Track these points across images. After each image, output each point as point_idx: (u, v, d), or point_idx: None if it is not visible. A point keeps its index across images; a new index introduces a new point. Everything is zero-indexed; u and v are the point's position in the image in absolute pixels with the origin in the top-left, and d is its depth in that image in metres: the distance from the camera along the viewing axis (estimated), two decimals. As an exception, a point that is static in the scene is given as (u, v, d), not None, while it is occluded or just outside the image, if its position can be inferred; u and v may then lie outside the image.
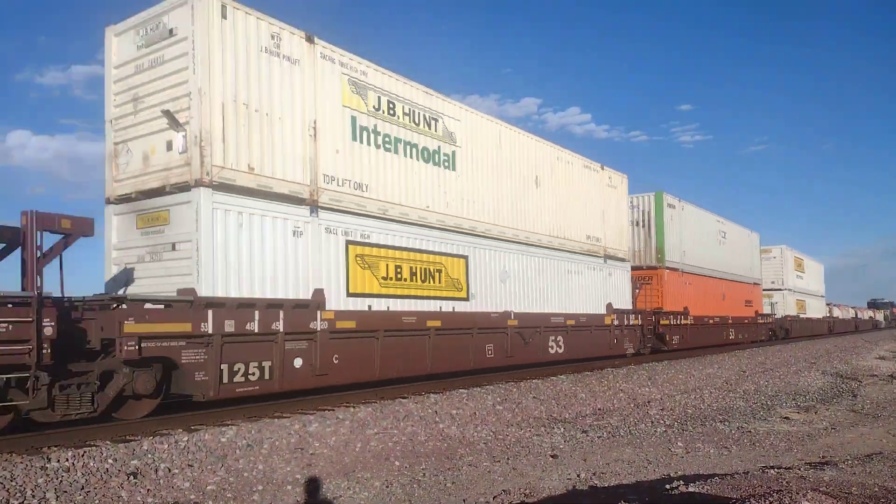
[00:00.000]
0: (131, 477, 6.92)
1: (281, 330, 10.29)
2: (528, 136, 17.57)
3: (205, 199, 9.64)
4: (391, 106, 13.17)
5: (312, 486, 7.24)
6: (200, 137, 9.65)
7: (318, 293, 11.14)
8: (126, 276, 10.59)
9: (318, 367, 10.93)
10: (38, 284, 8.12)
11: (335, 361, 11.22)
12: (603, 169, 21.07)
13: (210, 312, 9.31)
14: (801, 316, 46.08)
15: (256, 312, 9.95)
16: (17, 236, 8.35)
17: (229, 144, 10.04)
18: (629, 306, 21.63)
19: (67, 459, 7.06)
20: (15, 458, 7.00)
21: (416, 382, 13.40)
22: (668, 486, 6.35)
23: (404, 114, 13.47)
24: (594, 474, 7.87)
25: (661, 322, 23.25)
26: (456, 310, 14.21)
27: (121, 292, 10.37)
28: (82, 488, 6.54)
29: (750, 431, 11.20)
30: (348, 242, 11.95)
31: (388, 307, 12.57)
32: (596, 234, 20.20)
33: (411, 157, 13.56)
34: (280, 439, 8.55)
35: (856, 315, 74.23)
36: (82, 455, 7.22)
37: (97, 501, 6.38)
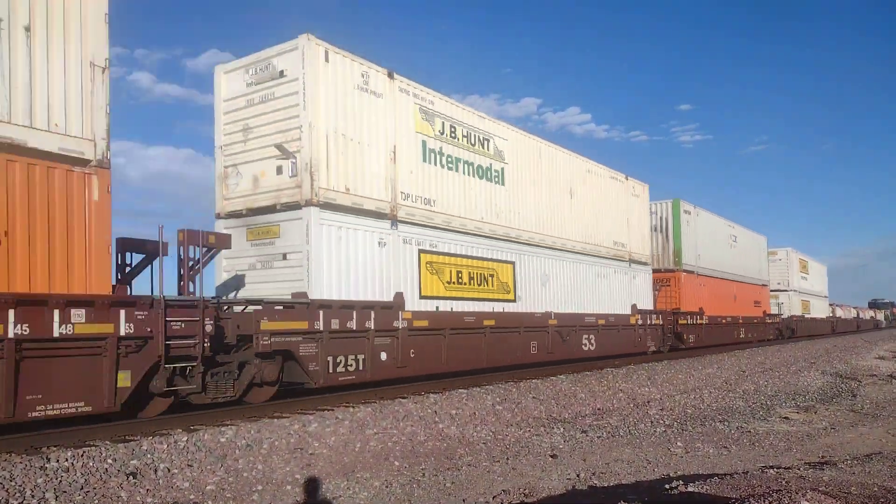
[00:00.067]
0: (131, 477, 6.93)
1: (372, 328, 12.02)
2: (563, 151, 19.29)
3: (314, 217, 11.37)
4: (453, 130, 14.90)
5: (312, 486, 7.25)
6: (311, 164, 11.38)
7: (399, 296, 12.87)
8: (236, 282, 12.32)
9: (399, 360, 12.66)
10: (192, 289, 9.85)
11: (412, 355, 12.95)
12: (627, 179, 22.81)
13: (321, 312, 11.05)
14: (806, 316, 47.80)
15: (355, 313, 11.69)
16: (157, 249, 10.03)
17: (331, 169, 11.77)
18: (650, 307, 23.37)
19: (67, 459, 7.07)
20: (14, 458, 7.01)
21: (474, 375, 15.11)
22: (667, 486, 6.31)
23: (463, 136, 15.20)
24: (594, 474, 7.86)
25: (680, 322, 24.98)
26: (505, 310, 15.94)
27: (231, 295, 12.11)
28: (81, 488, 6.53)
29: (749, 431, 11.18)
30: (420, 251, 13.68)
31: (452, 308, 14.30)
32: (622, 240, 21.93)
33: (468, 174, 15.29)
34: (279, 439, 8.61)
35: (857, 315, 75.93)
36: (82, 455, 7.24)
37: (96, 501, 6.37)
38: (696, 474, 7.49)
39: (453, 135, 14.91)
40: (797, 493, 5.12)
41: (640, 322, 21.94)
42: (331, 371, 11.33)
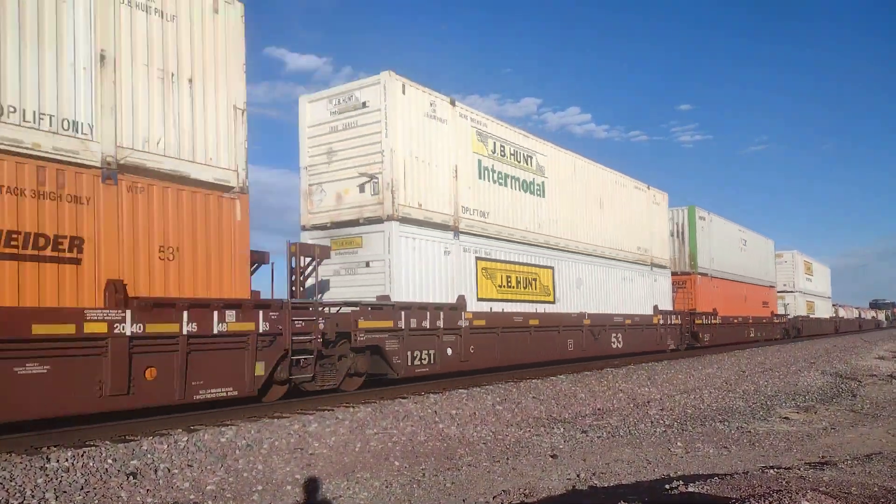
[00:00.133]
0: (131, 477, 6.95)
1: (441, 326, 13.73)
2: (594, 165, 20.99)
3: (394, 230, 13.09)
4: (502, 149, 16.61)
5: (312, 486, 7.27)
6: (392, 184, 13.09)
7: (461, 298, 14.58)
8: (322, 286, 14.01)
9: (462, 355, 14.37)
10: (303, 293, 11.55)
11: (472, 351, 14.66)
12: (649, 188, 24.52)
13: (403, 313, 12.76)
14: (811, 316, 49.53)
15: (428, 313, 13.40)
16: (264, 258, 11.73)
17: (407, 187, 13.47)
18: (670, 308, 25.07)
19: (67, 459, 7.09)
20: (14, 458, 7.04)
21: (521, 369, 16.82)
22: (667, 486, 6.30)
23: (511, 154, 16.91)
24: (594, 474, 7.86)
25: (696, 322, 26.69)
26: (546, 311, 17.64)
27: (317, 298, 13.80)
28: (81, 488, 6.55)
29: (749, 431, 11.19)
30: (477, 258, 15.39)
31: (503, 309, 16.01)
32: (644, 246, 23.64)
33: (515, 188, 17.00)
34: (279, 439, 8.64)
35: (860, 315, 77.64)
36: (82, 455, 7.25)
37: (96, 501, 6.39)
38: (696, 474, 7.48)
39: (503, 153, 16.62)
40: (797, 494, 5.09)
41: (661, 322, 23.66)
42: (409, 364, 13.04)
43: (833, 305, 61.76)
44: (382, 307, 12.58)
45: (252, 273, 11.71)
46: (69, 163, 8.08)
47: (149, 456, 7.52)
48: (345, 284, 13.74)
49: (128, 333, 8.31)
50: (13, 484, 6.36)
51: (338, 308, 12.25)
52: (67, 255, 8.02)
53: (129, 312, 8.35)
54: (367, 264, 13.46)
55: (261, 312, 10.03)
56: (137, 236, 8.75)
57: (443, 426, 10.35)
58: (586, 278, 19.81)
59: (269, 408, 10.31)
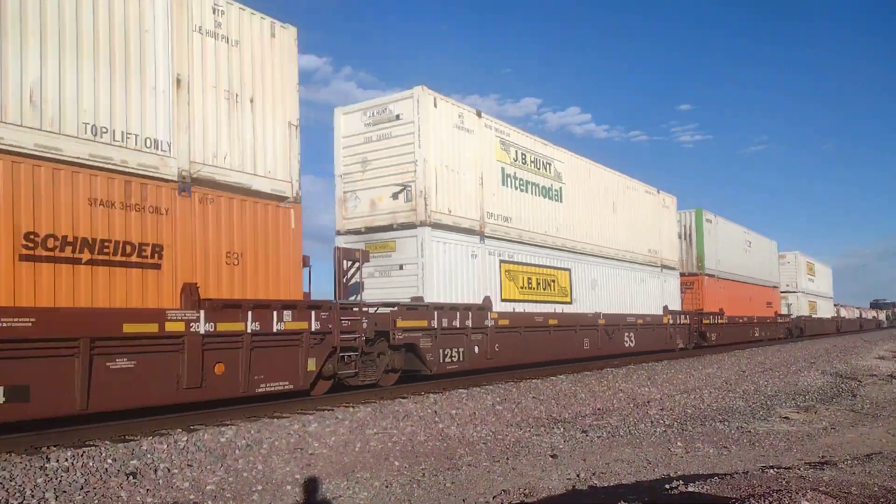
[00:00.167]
0: (130, 477, 6.96)
1: (469, 325, 14.57)
2: (607, 170, 21.83)
3: (427, 235, 13.93)
4: (523, 157, 17.45)
5: (312, 486, 7.29)
6: (425, 192, 13.94)
7: (487, 299, 15.42)
8: (356, 287, 14.84)
9: (488, 353, 15.22)
10: (347, 294, 12.39)
11: (497, 349, 15.50)
12: (658, 192, 25.36)
13: (436, 312, 13.61)
14: (813, 316, 50.35)
15: (458, 313, 14.24)
16: (306, 261, 12.54)
17: (439, 195, 14.31)
18: (679, 308, 25.90)
19: (67, 459, 7.11)
20: (14, 458, 7.06)
21: (541, 367, 17.65)
22: (667, 486, 6.30)
23: (531, 161, 17.75)
24: (594, 474, 7.86)
25: (704, 321, 27.52)
26: (564, 311, 18.48)
27: (352, 299, 14.64)
28: (81, 488, 6.56)
29: (749, 431, 11.19)
30: (501, 261, 16.23)
31: (524, 309, 16.85)
32: (655, 248, 24.48)
33: (535, 194, 17.84)
34: (279, 439, 8.66)
35: (861, 315, 78.45)
36: (81, 455, 7.27)
37: (96, 501, 6.39)
38: (696, 474, 7.47)
39: (524, 161, 17.45)
40: (797, 493, 5.09)
41: (671, 321, 24.49)
42: (441, 361, 13.88)
43: (835, 305, 62.58)
44: (417, 308, 13.43)
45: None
46: (151, 177, 8.93)
47: (148, 456, 7.55)
48: (378, 286, 14.57)
49: (201, 332, 9.16)
50: (13, 483, 6.37)
51: (376, 308, 13.09)
52: (150, 260, 8.87)
53: (202, 313, 9.20)
54: (401, 267, 14.30)
55: (313, 312, 10.87)
56: (208, 243, 9.59)
57: (443, 426, 10.40)
58: (601, 279, 20.65)
59: (268, 408, 10.37)
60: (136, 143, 8.78)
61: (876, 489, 6.00)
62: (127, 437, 8.31)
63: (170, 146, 9.16)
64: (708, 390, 16.43)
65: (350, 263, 12.95)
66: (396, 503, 6.94)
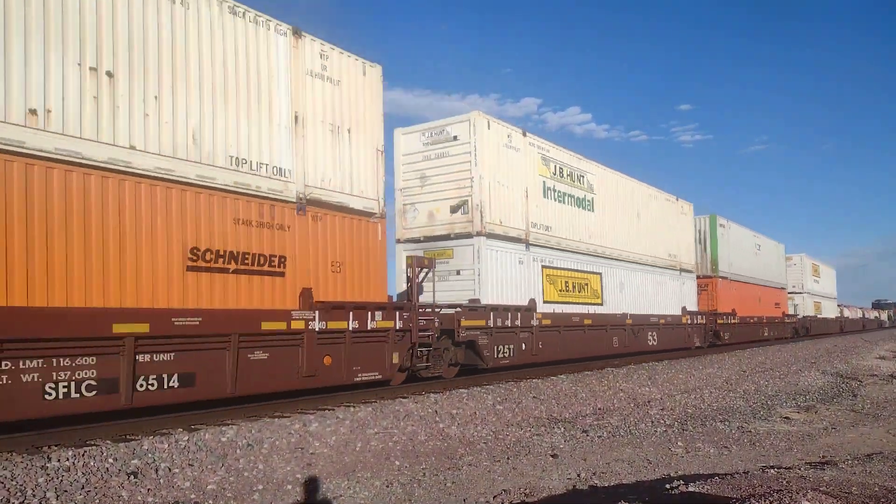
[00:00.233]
0: (131, 476, 6.98)
1: (518, 325, 16.27)
2: (632, 180, 23.52)
3: (483, 244, 15.62)
4: (561, 171, 19.14)
5: (312, 485, 7.30)
6: (481, 205, 15.63)
7: (532, 301, 17.11)
8: (419, 291, 16.52)
9: (533, 350, 16.90)
10: (420, 297, 14.05)
11: (540, 346, 17.19)
12: (677, 200, 27.05)
13: (492, 313, 15.30)
14: (818, 316, 52.02)
15: (509, 313, 15.94)
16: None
17: (492, 207, 16.01)
18: (695, 309, 27.58)
19: (68, 459, 7.12)
20: (15, 458, 7.10)
21: (577, 362, 19.34)
22: (668, 486, 6.31)
23: (567, 175, 19.45)
24: (594, 474, 7.86)
25: (718, 321, 29.20)
26: (596, 312, 20.16)
27: (398, 301, 16.31)
28: (82, 487, 6.58)
29: (750, 431, 11.21)
30: (542, 266, 17.92)
31: (563, 310, 18.54)
32: (674, 252, 26.17)
33: (571, 205, 19.53)
34: (280, 439, 8.70)
35: (863, 315, 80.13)
36: (83, 454, 7.29)
37: (97, 501, 6.41)
38: (696, 474, 7.47)
39: (561, 175, 19.15)
40: (798, 493, 5.09)
41: (688, 321, 26.17)
42: (495, 356, 15.58)
43: (838, 306, 64.24)
44: (477, 308, 15.12)
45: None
46: (277, 199, 10.63)
47: (149, 455, 7.58)
48: (437, 290, 16.24)
49: (316, 329, 10.86)
50: (14, 483, 6.41)
51: (440, 308, 14.78)
52: (277, 269, 10.57)
53: (317, 313, 10.90)
54: (458, 272, 15.99)
55: (397, 312, 12.57)
56: (318, 254, 11.29)
57: (443, 426, 10.46)
58: (627, 282, 22.34)
59: (269, 407, 10.53)
60: (266, 172, 10.48)
61: (877, 489, 5.99)
62: (128, 436, 8.41)
63: (290, 173, 10.86)
64: (708, 390, 16.58)
65: (419, 269, 14.62)
66: (397, 503, 6.95)
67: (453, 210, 16.17)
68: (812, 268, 51.96)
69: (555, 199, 18.79)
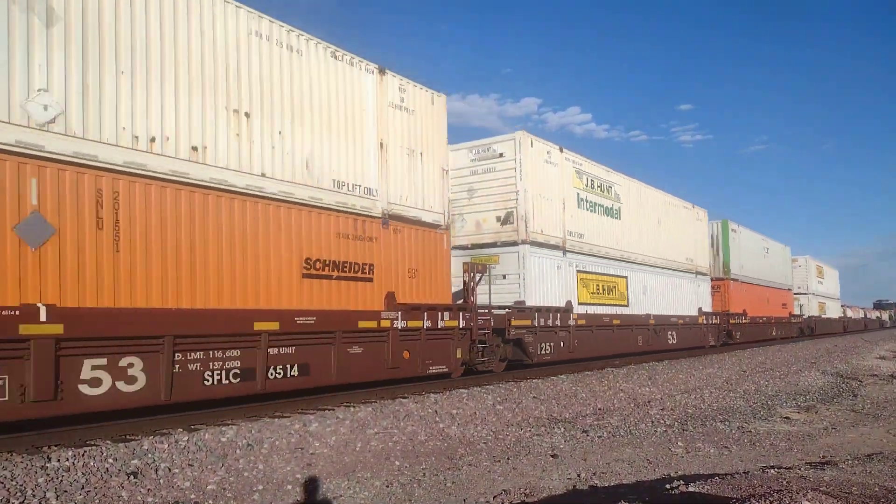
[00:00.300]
0: (131, 476, 6.98)
1: (558, 324, 17.95)
2: (653, 189, 25.20)
3: (527, 251, 17.30)
4: (592, 183, 20.82)
5: (312, 485, 7.31)
6: (525, 217, 17.31)
7: (568, 303, 18.80)
8: (464, 294, 18.20)
9: (570, 347, 18.60)
10: (475, 299, 15.73)
11: (576, 344, 18.88)
12: (693, 207, 28.74)
13: (536, 314, 16.98)
14: (822, 316, 53.69)
15: (550, 314, 17.62)
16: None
17: (535, 218, 17.68)
18: (710, 310, 29.26)
19: (68, 459, 7.11)
20: (15, 458, 7.08)
21: (606, 359, 21.01)
22: (668, 486, 6.31)
23: (597, 186, 21.13)
24: (594, 474, 7.86)
25: (731, 322, 30.87)
26: (623, 312, 21.84)
27: (459, 302, 17.99)
28: (82, 488, 6.57)
29: (750, 431, 11.22)
30: (577, 271, 19.61)
31: (595, 311, 20.22)
32: (691, 256, 27.85)
33: (601, 214, 21.22)
34: (280, 439, 8.72)
35: (865, 315, 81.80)
36: (82, 454, 7.28)
37: (97, 501, 6.40)
38: (696, 474, 7.47)
39: (592, 186, 20.84)
40: (798, 493, 5.10)
41: (704, 321, 27.85)
42: (539, 353, 17.25)
43: (842, 306, 65.90)
44: (524, 309, 16.81)
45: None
46: (367, 216, 12.31)
47: (149, 455, 7.59)
48: (483, 293, 17.91)
49: (399, 327, 12.54)
50: (14, 483, 6.41)
51: (490, 309, 16.45)
52: (367, 276, 12.25)
53: (399, 313, 12.58)
54: (504, 277, 17.67)
55: (461, 313, 14.24)
56: (398, 262, 12.98)
57: (443, 426, 10.52)
58: (650, 285, 24.03)
59: (269, 407, 10.65)
60: (359, 192, 12.16)
61: (877, 489, 5.99)
62: (128, 436, 8.44)
63: (377, 192, 12.54)
64: (708, 390, 16.72)
65: (474, 274, 16.29)
66: (397, 503, 6.97)
67: (500, 220, 17.85)
68: (816, 269, 53.63)
69: (587, 209, 20.47)
